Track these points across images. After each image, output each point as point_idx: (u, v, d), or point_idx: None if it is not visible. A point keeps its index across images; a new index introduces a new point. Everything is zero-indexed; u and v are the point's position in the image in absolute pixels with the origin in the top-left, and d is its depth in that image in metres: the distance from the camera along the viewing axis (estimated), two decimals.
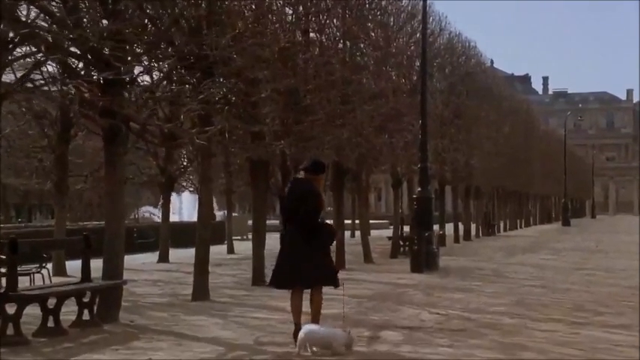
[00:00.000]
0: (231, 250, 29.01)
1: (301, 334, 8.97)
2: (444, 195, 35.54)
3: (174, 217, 42.67)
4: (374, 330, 10.66)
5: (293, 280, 9.56)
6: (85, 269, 11.29)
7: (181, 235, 30.51)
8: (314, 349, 8.99)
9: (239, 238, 36.21)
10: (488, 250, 29.21)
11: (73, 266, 12.13)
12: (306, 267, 9.44)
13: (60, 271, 19.34)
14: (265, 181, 29.39)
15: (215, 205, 48.26)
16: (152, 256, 25.42)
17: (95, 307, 11.17)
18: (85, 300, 10.99)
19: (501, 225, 48.19)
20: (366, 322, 11.30)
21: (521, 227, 54.98)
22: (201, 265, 14.43)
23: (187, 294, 14.66)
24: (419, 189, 21.41)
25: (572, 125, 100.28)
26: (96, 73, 11.04)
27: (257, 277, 16.82)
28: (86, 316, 10.97)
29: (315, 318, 9.63)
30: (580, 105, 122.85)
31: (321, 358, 8.83)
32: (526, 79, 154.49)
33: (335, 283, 9.69)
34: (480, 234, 40.61)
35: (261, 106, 15.63)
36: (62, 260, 19.65)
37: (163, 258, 24.74)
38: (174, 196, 44.20)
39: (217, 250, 28.83)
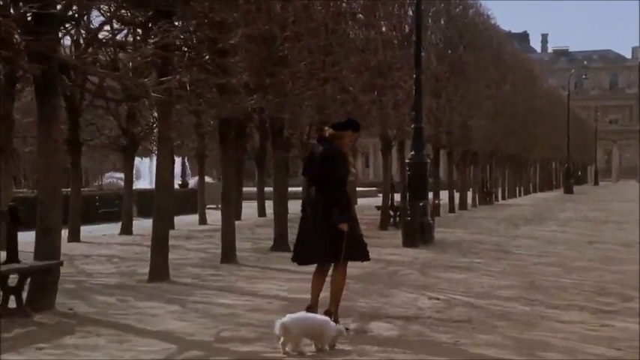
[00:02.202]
0: (203, 221, 27.72)
1: (284, 321, 7.65)
2: (439, 160, 34.20)
3: (144, 184, 41.34)
4: (362, 321, 9.33)
5: (317, 254, 8.83)
6: (12, 247, 9.89)
7: (150, 203, 29.12)
8: (287, 349, 7.66)
9: (214, 207, 34.85)
10: (487, 221, 27.97)
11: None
12: (330, 241, 8.66)
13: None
14: (239, 143, 28.27)
15: (188, 170, 47.05)
16: (116, 227, 24.10)
17: (25, 293, 9.82)
18: (11, 284, 9.61)
19: (499, 192, 46.98)
20: (352, 310, 9.94)
21: (520, 195, 53.84)
22: (160, 241, 13.09)
23: (145, 273, 13.32)
24: (412, 153, 20.06)
25: (573, 86, 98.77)
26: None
27: (226, 254, 15.47)
28: (14, 303, 9.60)
29: (335, 299, 8.82)
30: (585, 62, 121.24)
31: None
32: (524, 36, 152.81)
33: (362, 257, 9.07)
34: (477, 203, 39.46)
35: (230, 55, 14.17)
36: None
37: (126, 229, 23.43)
38: (143, 161, 42.85)
39: (189, 221, 27.71)
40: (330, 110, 18.80)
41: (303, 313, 8.02)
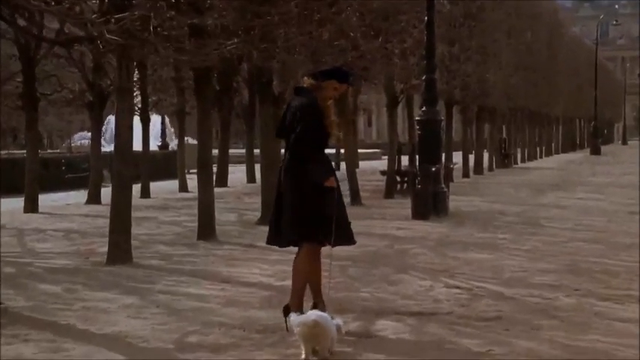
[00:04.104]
0: (184, 188, 26.45)
1: (318, 319, 6.58)
2: (452, 118, 32.98)
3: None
4: (364, 318, 8.04)
5: (292, 232, 7.62)
6: None
7: None
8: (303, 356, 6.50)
9: (196, 171, 33.63)
10: (507, 188, 26.76)
11: None
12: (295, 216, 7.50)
13: None
14: (224, 98, 26.99)
15: (170, 130, 45.73)
16: (84, 195, 22.90)
17: None
18: None
19: (518, 154, 45.80)
20: (351, 303, 8.66)
21: (541, 156, 52.65)
22: (119, 217, 11.80)
23: (105, 252, 12.01)
24: (423, 109, 18.80)
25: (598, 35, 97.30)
26: None
27: (204, 229, 14.21)
28: None
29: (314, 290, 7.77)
30: (616, 7, 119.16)
31: None
32: None
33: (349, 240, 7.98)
34: (494, 166, 38.34)
35: None
36: None
37: (93, 198, 22.12)
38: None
39: (169, 188, 26.59)
40: (327, 59, 17.55)
41: (321, 313, 6.86)
